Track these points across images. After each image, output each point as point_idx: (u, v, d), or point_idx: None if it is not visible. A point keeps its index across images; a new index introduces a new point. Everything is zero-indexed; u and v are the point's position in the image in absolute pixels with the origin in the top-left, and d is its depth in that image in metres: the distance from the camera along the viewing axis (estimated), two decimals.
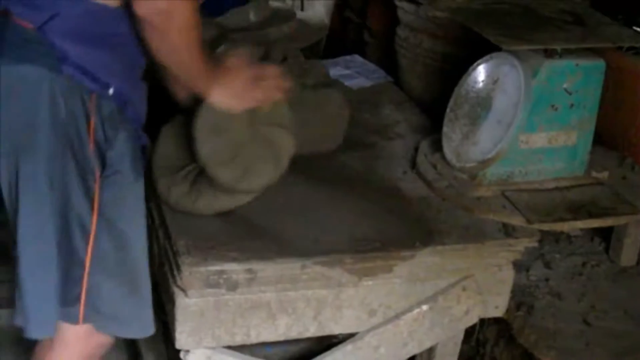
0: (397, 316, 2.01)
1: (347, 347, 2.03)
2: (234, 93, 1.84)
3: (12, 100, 1.66)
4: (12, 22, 1.67)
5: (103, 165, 1.72)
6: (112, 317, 1.81)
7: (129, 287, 1.81)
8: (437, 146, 2.36)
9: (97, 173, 1.71)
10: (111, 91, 1.69)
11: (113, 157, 1.73)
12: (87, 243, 1.73)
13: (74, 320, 1.79)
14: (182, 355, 1.93)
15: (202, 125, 1.85)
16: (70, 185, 1.68)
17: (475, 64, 2.35)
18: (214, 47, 2.28)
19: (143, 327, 1.87)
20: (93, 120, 1.68)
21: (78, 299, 1.76)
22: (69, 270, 1.74)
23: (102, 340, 1.89)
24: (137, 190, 1.80)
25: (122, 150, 1.74)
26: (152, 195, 2.12)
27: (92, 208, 1.72)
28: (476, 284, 2.04)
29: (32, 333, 1.76)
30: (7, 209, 1.74)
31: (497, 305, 2.12)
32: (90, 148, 1.69)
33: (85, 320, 1.79)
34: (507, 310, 2.16)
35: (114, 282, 1.78)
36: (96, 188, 1.71)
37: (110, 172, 1.73)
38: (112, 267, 1.77)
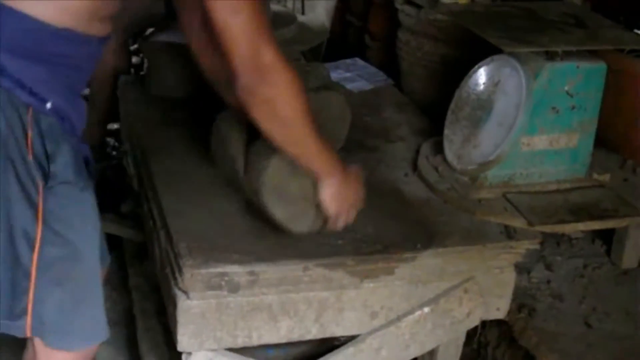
0: (398, 318, 2.01)
1: (349, 350, 2.03)
2: (342, 199, 1.86)
3: None
4: None
5: (46, 177, 1.69)
6: (59, 329, 1.78)
7: (77, 297, 1.78)
8: (439, 148, 2.37)
9: (40, 184, 1.68)
10: (49, 106, 1.67)
11: (56, 169, 1.70)
12: (32, 253, 1.70)
13: (21, 333, 1.76)
14: (184, 357, 1.94)
15: (270, 189, 1.86)
16: (12, 196, 1.66)
17: (476, 66, 2.36)
18: None
19: (94, 334, 1.85)
20: (30, 133, 1.65)
21: (25, 311, 1.73)
22: (15, 283, 1.71)
23: (84, 350, 1.88)
24: (85, 199, 1.78)
25: (65, 161, 1.71)
26: (152, 197, 2.12)
27: (36, 218, 1.69)
28: (478, 286, 2.04)
29: None
30: None
31: (498, 308, 2.12)
32: (29, 160, 1.66)
33: (33, 333, 1.76)
34: (509, 313, 2.16)
35: (61, 292, 1.75)
36: (39, 199, 1.68)
37: (55, 183, 1.70)
38: (59, 277, 1.74)
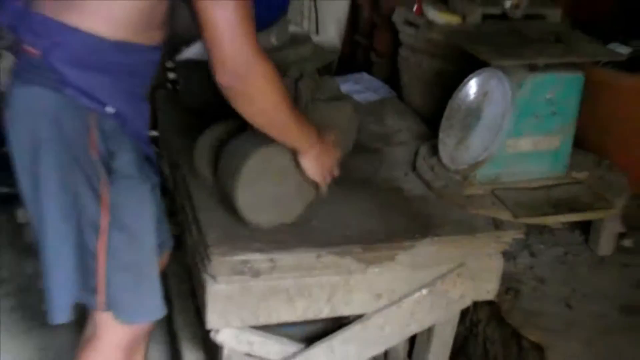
0: (400, 299, 2.02)
1: (356, 327, 2.04)
2: (321, 165, 1.88)
3: (25, 117, 1.66)
4: (22, 50, 1.67)
5: (109, 172, 1.71)
6: (124, 304, 1.81)
7: (137, 278, 1.80)
8: (434, 151, 2.36)
9: (104, 178, 1.70)
10: (109, 110, 1.68)
11: (119, 165, 1.72)
12: (97, 239, 1.72)
13: (95, 307, 1.80)
14: (212, 334, 1.95)
15: (244, 176, 1.86)
16: (79, 189, 1.68)
17: (467, 78, 2.36)
18: None
19: (153, 310, 1.87)
20: (93, 134, 1.67)
21: (96, 289, 1.76)
22: (85, 263, 1.74)
23: (142, 325, 1.90)
24: (144, 191, 1.78)
25: (127, 158, 1.73)
26: (185, 195, 2.14)
27: (101, 209, 1.71)
28: (469, 271, 2.05)
29: (52, 319, 1.77)
30: (30, 212, 1.74)
31: (488, 290, 2.12)
32: (94, 158, 1.68)
33: (106, 308, 1.79)
34: (497, 294, 2.16)
35: (124, 273, 1.77)
36: (104, 191, 1.70)
37: (118, 177, 1.72)
38: (123, 260, 1.76)
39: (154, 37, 1.73)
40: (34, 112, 1.65)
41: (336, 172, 1.96)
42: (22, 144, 1.69)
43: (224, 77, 1.59)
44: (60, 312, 1.77)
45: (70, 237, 1.72)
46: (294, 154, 1.86)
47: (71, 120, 1.65)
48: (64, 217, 1.69)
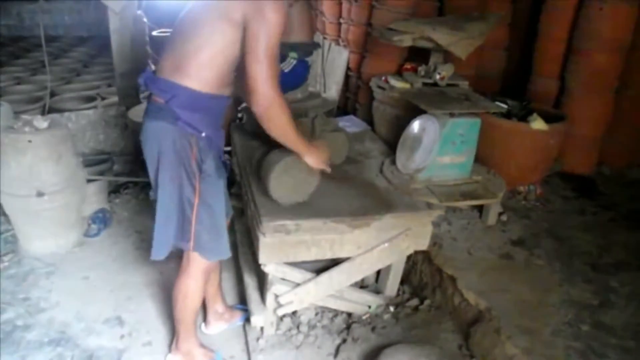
0: (372, 249, 2.00)
1: (346, 264, 2.03)
2: (316, 161, 1.81)
3: (153, 139, 1.66)
4: (153, 99, 1.68)
5: (201, 171, 1.70)
6: (205, 248, 1.78)
7: (214, 234, 1.77)
8: (393, 162, 2.35)
9: (197, 175, 1.69)
10: (203, 135, 1.67)
11: (206, 168, 1.70)
12: (192, 211, 1.70)
13: (188, 249, 1.78)
14: (262, 266, 1.94)
15: (275, 177, 1.82)
16: (182, 181, 1.67)
17: (413, 120, 2.34)
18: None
19: (222, 253, 1.83)
20: (194, 149, 1.66)
21: (189, 238, 1.74)
22: (183, 224, 1.73)
23: (214, 260, 1.87)
24: (220, 184, 1.75)
25: (210, 164, 1.71)
26: (247, 184, 2.11)
27: (195, 193, 1.69)
28: (413, 232, 2.03)
29: (153, 256, 1.75)
30: (154, 192, 1.73)
31: (423, 244, 2.09)
32: (193, 163, 1.67)
33: (194, 250, 1.77)
34: (429, 246, 2.13)
35: (207, 231, 1.75)
36: (197, 184, 1.69)
37: (205, 175, 1.70)
38: (206, 223, 1.74)
39: (225, 91, 1.71)
40: (159, 136, 1.64)
41: (328, 164, 1.85)
42: (152, 153, 1.67)
43: (257, 107, 1.59)
44: (159, 253, 1.75)
45: (175, 208, 1.70)
46: (301, 157, 1.79)
47: (180, 140, 1.64)
48: (172, 197, 1.68)
